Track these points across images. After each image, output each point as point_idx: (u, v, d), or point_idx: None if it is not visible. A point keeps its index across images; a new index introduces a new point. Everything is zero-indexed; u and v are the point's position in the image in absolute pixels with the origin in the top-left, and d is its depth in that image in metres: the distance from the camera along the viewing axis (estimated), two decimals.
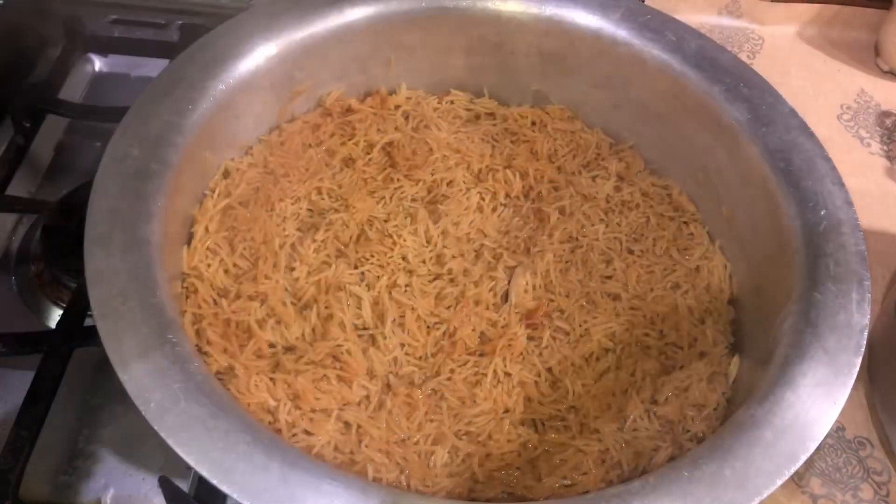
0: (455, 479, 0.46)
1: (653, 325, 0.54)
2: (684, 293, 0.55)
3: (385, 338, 0.51)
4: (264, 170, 0.58)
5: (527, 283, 0.54)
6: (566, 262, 0.56)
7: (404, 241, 0.55)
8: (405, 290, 0.53)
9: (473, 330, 0.52)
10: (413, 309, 0.52)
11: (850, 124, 0.77)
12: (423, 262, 0.55)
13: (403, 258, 0.55)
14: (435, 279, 0.55)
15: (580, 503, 0.39)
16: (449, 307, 0.53)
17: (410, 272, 0.54)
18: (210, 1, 0.84)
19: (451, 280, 0.55)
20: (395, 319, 0.52)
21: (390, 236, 0.56)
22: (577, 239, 0.57)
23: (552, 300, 0.54)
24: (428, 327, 0.52)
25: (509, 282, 0.55)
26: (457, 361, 0.51)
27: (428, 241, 0.56)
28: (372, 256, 0.55)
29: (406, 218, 0.57)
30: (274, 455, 0.38)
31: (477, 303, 0.53)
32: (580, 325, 0.53)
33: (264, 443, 0.38)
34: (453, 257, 0.56)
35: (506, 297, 0.54)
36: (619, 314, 0.54)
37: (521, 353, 0.51)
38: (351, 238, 0.56)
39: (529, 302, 0.54)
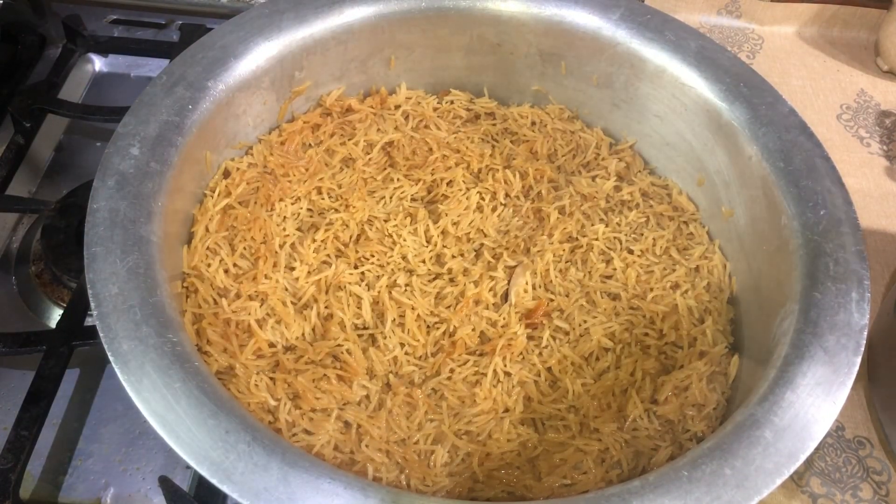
0: (455, 479, 0.46)
1: (652, 325, 0.54)
2: (684, 293, 0.55)
3: (385, 337, 0.51)
4: (264, 169, 0.58)
5: (527, 283, 0.54)
6: (566, 262, 0.56)
7: (404, 240, 0.56)
8: (405, 290, 0.53)
9: (473, 329, 0.52)
10: (413, 308, 0.52)
11: (849, 124, 0.77)
12: (423, 261, 0.55)
13: (403, 258, 0.55)
14: (435, 279, 0.55)
15: (580, 503, 0.39)
16: (449, 307, 0.53)
17: (410, 272, 0.55)
18: (210, 1, 0.84)
19: (451, 280, 0.55)
20: (395, 319, 0.52)
21: (390, 236, 0.56)
22: (576, 239, 0.57)
23: (552, 300, 0.54)
24: (428, 327, 0.52)
25: (509, 282, 0.55)
26: (457, 361, 0.51)
27: (428, 241, 0.56)
28: (372, 256, 0.55)
29: (406, 218, 0.57)
30: (274, 454, 0.38)
31: (477, 302, 0.53)
32: (580, 325, 0.53)
33: (264, 442, 0.38)
34: (453, 257, 0.56)
35: (506, 296, 0.54)
36: (619, 314, 0.54)
37: (521, 353, 0.51)
38: (351, 238, 0.56)
39: (529, 302, 0.54)
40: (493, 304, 0.54)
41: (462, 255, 0.56)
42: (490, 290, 0.54)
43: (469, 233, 0.57)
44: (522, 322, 0.53)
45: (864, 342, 0.44)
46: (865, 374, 0.58)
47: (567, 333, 0.53)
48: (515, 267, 0.55)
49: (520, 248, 0.57)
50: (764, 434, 0.40)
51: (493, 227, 0.57)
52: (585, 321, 0.53)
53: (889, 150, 0.75)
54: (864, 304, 0.45)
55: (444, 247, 0.56)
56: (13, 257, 0.64)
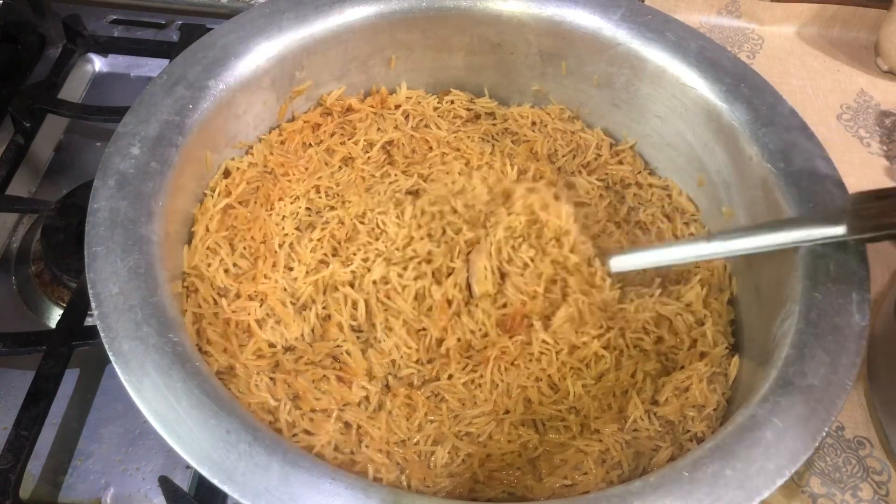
0: (455, 480, 0.46)
1: (652, 327, 0.54)
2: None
3: (379, 341, 0.51)
4: (264, 169, 0.58)
5: (485, 268, 0.53)
6: (518, 238, 0.54)
7: (387, 228, 0.55)
8: (386, 287, 0.52)
9: (459, 340, 0.51)
10: (398, 314, 0.51)
11: (849, 124, 0.77)
12: (398, 248, 0.54)
13: (384, 246, 0.54)
14: (406, 267, 0.53)
15: (581, 503, 0.39)
16: (429, 309, 0.52)
17: (387, 260, 0.53)
18: (210, 1, 0.84)
19: (419, 263, 0.53)
20: (382, 323, 0.51)
21: (378, 226, 0.55)
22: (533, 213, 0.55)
23: (524, 302, 0.52)
24: (417, 332, 0.51)
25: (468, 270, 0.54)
26: (455, 368, 0.50)
27: (401, 225, 0.55)
28: (358, 251, 0.54)
29: (395, 207, 0.56)
30: (275, 455, 0.38)
31: (449, 302, 0.52)
32: (576, 336, 0.51)
33: (265, 443, 0.38)
34: (420, 239, 0.54)
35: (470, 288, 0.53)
36: (612, 317, 0.53)
37: (517, 362, 0.50)
38: (346, 235, 0.55)
39: (492, 289, 0.52)
40: (465, 304, 0.52)
41: (429, 235, 0.55)
42: (455, 285, 0.52)
43: (442, 210, 0.56)
44: (506, 335, 0.51)
45: (865, 343, 0.44)
46: (865, 375, 0.58)
47: (561, 348, 0.51)
48: (469, 253, 0.54)
49: (478, 222, 0.55)
50: (765, 435, 0.40)
51: (462, 204, 0.56)
52: (579, 333, 0.51)
53: (889, 150, 0.75)
54: (865, 305, 0.45)
55: (418, 226, 0.55)
56: (13, 257, 0.64)
